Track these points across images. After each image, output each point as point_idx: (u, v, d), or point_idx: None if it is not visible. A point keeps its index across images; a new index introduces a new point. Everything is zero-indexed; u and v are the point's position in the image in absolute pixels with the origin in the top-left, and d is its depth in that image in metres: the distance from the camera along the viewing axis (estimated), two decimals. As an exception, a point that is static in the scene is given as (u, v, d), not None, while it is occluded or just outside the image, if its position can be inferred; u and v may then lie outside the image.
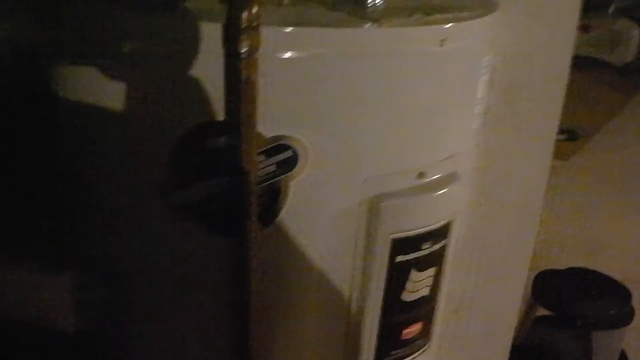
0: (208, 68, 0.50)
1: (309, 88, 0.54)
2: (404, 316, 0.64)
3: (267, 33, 0.48)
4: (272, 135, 0.54)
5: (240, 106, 0.48)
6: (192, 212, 0.56)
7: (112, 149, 0.59)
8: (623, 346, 1.51)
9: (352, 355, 0.64)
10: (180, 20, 0.52)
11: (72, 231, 0.70)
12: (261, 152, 0.53)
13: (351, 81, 0.55)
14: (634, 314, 1.45)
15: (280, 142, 0.54)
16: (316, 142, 0.55)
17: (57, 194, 0.70)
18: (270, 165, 0.54)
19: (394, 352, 0.65)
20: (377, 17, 0.57)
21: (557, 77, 0.97)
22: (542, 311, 1.50)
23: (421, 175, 0.61)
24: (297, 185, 0.56)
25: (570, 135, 1.68)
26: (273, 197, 0.55)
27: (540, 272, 1.52)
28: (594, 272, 1.54)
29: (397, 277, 0.61)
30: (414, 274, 0.62)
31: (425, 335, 0.68)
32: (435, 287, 0.65)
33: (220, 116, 0.51)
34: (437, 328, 0.71)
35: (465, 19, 0.62)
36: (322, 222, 0.59)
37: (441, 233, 0.63)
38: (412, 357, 0.66)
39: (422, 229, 0.61)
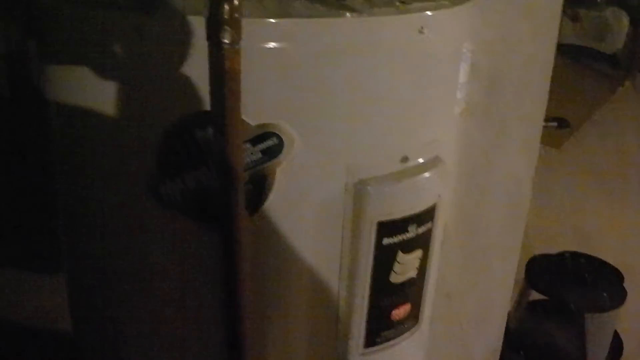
0: (198, 63, 0.52)
1: (292, 77, 0.56)
2: (392, 298, 0.66)
3: (249, 24, 0.50)
4: (257, 123, 0.55)
5: (224, 95, 0.50)
6: (181, 203, 0.57)
7: (104, 148, 0.60)
8: (616, 328, 1.53)
9: (343, 337, 0.66)
10: (166, 17, 0.54)
11: (67, 230, 0.72)
12: (247, 141, 0.55)
13: (333, 70, 0.57)
14: (626, 296, 1.47)
15: (266, 130, 0.56)
16: (301, 130, 0.57)
17: (52, 194, 0.71)
18: (255, 152, 0.56)
19: (384, 332, 0.66)
20: (357, 7, 0.58)
21: (541, 65, 0.99)
22: (536, 296, 1.52)
23: (405, 159, 0.63)
24: (282, 173, 0.57)
25: (561, 123, 1.69)
26: (259, 185, 0.57)
27: (533, 256, 1.54)
28: (586, 256, 1.56)
29: (384, 259, 0.63)
30: (401, 256, 0.64)
31: (414, 316, 0.69)
32: (422, 269, 0.67)
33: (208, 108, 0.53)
34: (428, 310, 0.73)
35: (445, 7, 0.63)
36: (309, 208, 0.60)
37: (426, 216, 0.65)
38: (402, 337, 0.68)
39: (407, 213, 0.63)
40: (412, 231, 0.64)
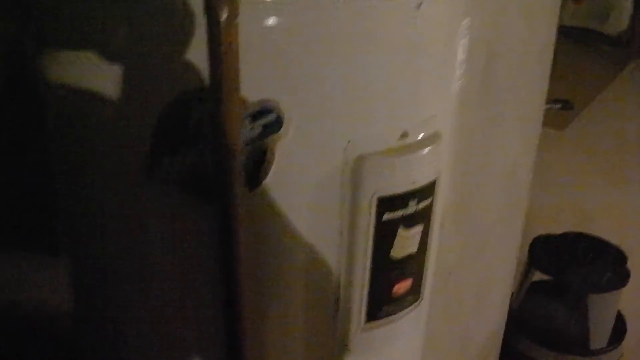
0: (197, 41, 0.52)
1: (290, 52, 0.56)
2: (394, 272, 0.66)
3: (247, 1, 0.50)
4: (257, 99, 0.56)
5: (222, 71, 0.50)
6: (179, 181, 0.58)
7: (102, 141, 0.61)
8: (619, 309, 1.53)
9: (345, 312, 0.66)
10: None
11: (66, 228, 0.72)
12: (246, 117, 0.55)
13: (332, 45, 0.57)
14: (629, 277, 1.47)
15: (265, 106, 0.56)
16: (300, 105, 0.57)
17: (52, 191, 0.71)
18: (255, 128, 0.56)
19: (385, 307, 0.67)
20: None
21: (539, 46, 0.99)
22: (539, 276, 1.53)
23: (404, 134, 0.63)
24: (282, 148, 0.58)
25: (565, 105, 1.68)
26: (259, 161, 0.58)
27: (537, 237, 1.54)
28: (590, 236, 1.56)
29: (384, 234, 0.63)
30: (402, 231, 0.64)
31: (415, 291, 0.70)
32: (423, 244, 0.68)
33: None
34: (429, 286, 0.74)
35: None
36: (308, 184, 0.61)
37: (427, 191, 0.65)
38: (403, 312, 0.69)
39: (407, 188, 0.63)
40: (413, 206, 0.64)
